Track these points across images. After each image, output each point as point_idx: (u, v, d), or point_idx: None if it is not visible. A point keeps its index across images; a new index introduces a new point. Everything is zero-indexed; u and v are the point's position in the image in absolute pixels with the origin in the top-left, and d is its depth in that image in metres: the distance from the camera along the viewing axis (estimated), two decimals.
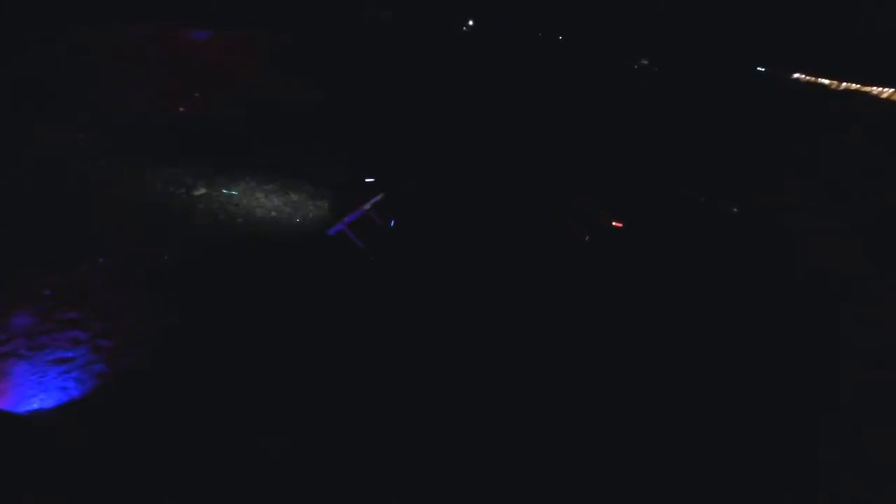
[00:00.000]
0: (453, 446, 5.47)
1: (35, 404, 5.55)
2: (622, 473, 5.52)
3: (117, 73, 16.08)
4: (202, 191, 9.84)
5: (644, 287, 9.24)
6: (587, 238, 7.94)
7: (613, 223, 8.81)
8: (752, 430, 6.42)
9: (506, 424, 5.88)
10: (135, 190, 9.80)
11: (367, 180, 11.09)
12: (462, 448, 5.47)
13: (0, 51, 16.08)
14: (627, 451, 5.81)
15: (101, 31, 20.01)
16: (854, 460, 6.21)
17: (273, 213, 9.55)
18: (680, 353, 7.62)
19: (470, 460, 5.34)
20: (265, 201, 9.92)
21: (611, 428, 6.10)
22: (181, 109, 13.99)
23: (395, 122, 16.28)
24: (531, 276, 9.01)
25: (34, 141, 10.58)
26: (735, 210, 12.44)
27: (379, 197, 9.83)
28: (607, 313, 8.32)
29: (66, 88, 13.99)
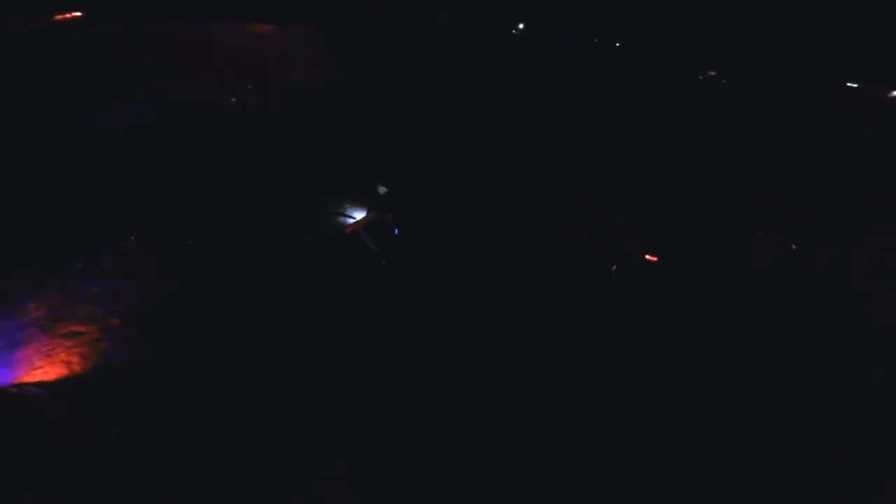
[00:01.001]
0: (453, 446, 5.46)
1: (38, 376, 5.89)
2: (622, 474, 5.51)
3: (184, 64, 17.37)
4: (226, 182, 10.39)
5: (645, 288, 9.22)
6: (614, 268, 7.67)
7: (647, 257, 8.45)
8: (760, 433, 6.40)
9: (506, 425, 5.87)
10: (183, 170, 10.58)
11: (384, 185, 11.12)
12: (462, 448, 5.46)
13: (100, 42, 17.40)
14: (627, 452, 5.79)
15: (172, 26, 21.46)
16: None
17: (289, 210, 9.85)
18: (680, 354, 7.60)
19: (470, 460, 5.33)
20: (283, 197, 10.25)
21: (611, 429, 6.08)
22: (233, 100, 14.96)
23: (413, 121, 16.44)
24: (533, 277, 8.99)
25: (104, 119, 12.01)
26: (792, 247, 11.00)
27: (392, 202, 10.03)
28: (607, 313, 8.30)
29: (137, 74, 15.37)
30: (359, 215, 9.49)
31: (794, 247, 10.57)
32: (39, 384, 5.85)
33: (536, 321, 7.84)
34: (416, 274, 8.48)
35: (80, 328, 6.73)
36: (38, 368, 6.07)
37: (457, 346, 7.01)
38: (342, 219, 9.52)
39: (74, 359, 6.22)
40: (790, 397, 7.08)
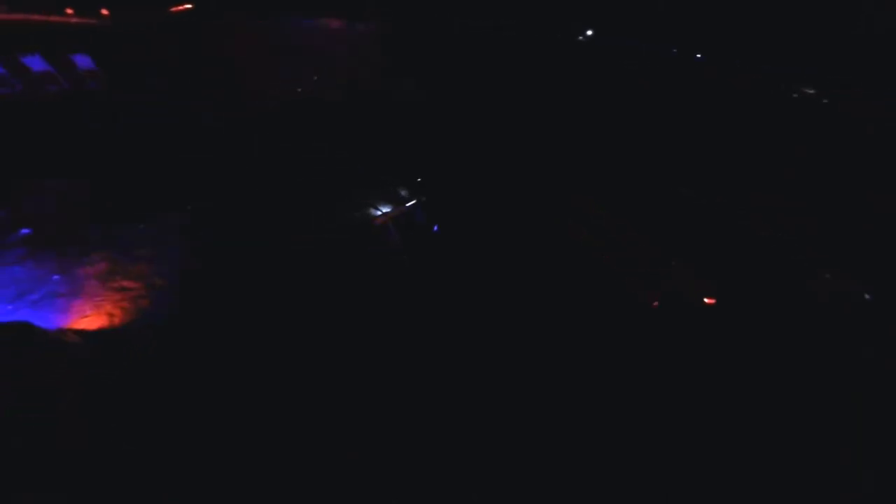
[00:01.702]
0: (453, 446, 5.47)
1: (82, 324, 6.65)
2: (621, 474, 5.52)
3: (259, 57, 19.17)
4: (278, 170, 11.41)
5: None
6: (656, 305, 7.49)
7: (706, 300, 8.16)
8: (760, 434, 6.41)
9: (505, 425, 5.88)
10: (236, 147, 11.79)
11: (417, 181, 11.73)
12: (462, 448, 5.47)
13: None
14: (627, 453, 5.80)
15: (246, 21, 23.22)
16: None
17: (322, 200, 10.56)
18: (680, 357, 7.62)
19: (470, 460, 5.34)
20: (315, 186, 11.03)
21: (611, 429, 6.09)
22: (298, 90, 16.08)
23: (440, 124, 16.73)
24: (534, 278, 9.01)
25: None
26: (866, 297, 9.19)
27: (423, 198, 10.59)
28: (607, 315, 8.32)
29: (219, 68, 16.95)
30: (387, 209, 10.11)
31: (867, 297, 9.05)
32: (79, 332, 6.54)
33: (536, 321, 7.86)
34: (421, 273, 8.51)
35: (129, 284, 7.57)
36: (85, 317, 6.86)
37: (457, 347, 7.02)
38: (372, 210, 10.07)
39: (117, 312, 6.98)
40: (790, 396, 7.09)
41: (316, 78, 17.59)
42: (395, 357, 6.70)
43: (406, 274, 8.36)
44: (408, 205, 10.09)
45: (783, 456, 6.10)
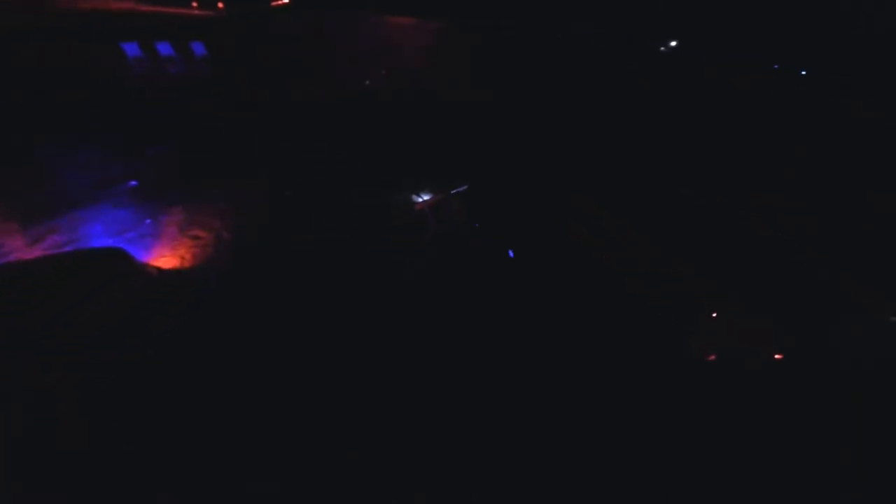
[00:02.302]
0: (453, 446, 5.46)
1: (158, 262, 8.25)
2: (621, 473, 5.51)
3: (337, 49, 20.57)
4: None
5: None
6: (712, 358, 7.37)
7: (776, 356, 8.06)
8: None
9: (505, 425, 5.87)
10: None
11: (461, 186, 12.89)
12: (462, 448, 5.46)
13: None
14: (626, 451, 5.79)
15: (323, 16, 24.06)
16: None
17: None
18: (681, 358, 7.60)
19: (470, 460, 5.33)
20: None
21: (610, 428, 6.08)
22: (367, 83, 17.29)
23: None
24: (534, 278, 9.00)
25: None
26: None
27: (462, 188, 11.68)
28: (606, 316, 8.30)
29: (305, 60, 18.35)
30: (427, 196, 11.34)
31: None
32: (156, 267, 8.05)
33: (537, 321, 7.84)
34: (424, 274, 8.53)
35: (201, 233, 9.29)
36: (161, 256, 8.49)
37: (457, 347, 7.01)
38: (415, 197, 11.32)
39: (188, 256, 8.60)
40: (789, 396, 7.08)
41: (384, 72, 18.79)
42: (396, 356, 6.69)
43: (406, 275, 8.38)
44: (448, 193, 11.27)
45: (783, 456, 6.09)
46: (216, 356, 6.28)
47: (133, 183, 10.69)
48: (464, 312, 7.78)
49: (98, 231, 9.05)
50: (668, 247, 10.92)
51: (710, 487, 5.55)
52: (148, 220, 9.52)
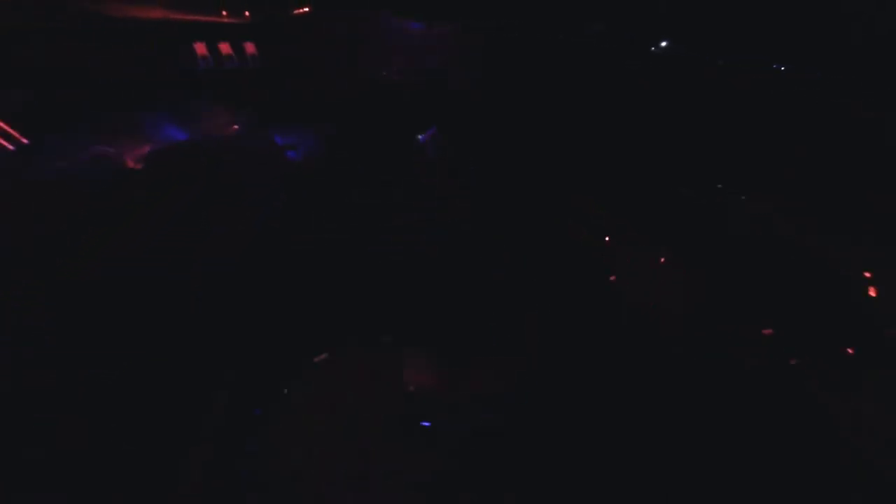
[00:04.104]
0: (453, 446, 5.47)
1: None
2: (621, 473, 5.52)
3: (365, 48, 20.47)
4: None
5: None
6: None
7: (764, 331, 8.04)
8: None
9: (505, 424, 5.87)
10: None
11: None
12: (462, 448, 5.47)
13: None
14: (626, 451, 5.79)
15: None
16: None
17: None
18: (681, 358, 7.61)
19: (470, 460, 5.34)
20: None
21: (609, 428, 6.09)
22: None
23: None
24: (534, 277, 9.00)
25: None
26: None
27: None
28: (606, 316, 8.31)
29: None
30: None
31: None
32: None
33: (537, 321, 7.85)
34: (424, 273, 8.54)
35: None
36: None
37: (457, 347, 7.02)
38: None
39: None
40: (788, 395, 7.08)
41: (384, 73, 19.61)
42: (396, 356, 6.69)
43: (408, 274, 8.37)
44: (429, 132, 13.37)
45: (783, 456, 6.09)
46: (216, 356, 6.27)
47: None
48: (464, 312, 7.78)
49: None
50: (668, 247, 10.92)
51: (710, 488, 5.55)
52: None
